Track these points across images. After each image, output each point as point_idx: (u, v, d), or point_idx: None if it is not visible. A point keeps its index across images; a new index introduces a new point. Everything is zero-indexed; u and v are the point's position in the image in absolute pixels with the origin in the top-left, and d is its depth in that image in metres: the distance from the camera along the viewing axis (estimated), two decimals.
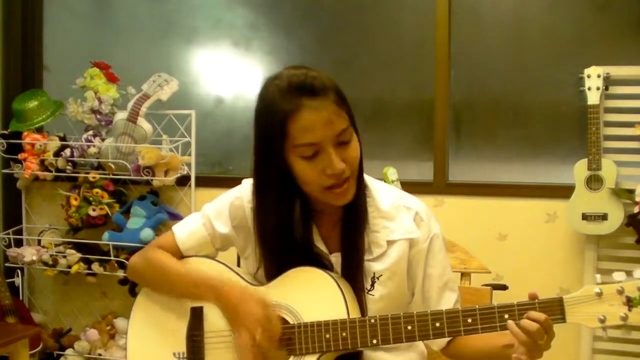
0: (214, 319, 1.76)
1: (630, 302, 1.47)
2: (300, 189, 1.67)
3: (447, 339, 1.77)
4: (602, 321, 1.50)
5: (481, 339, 1.66)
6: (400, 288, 1.76)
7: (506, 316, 1.55)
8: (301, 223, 1.71)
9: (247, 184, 1.81)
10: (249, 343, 1.62)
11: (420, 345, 1.85)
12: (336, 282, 1.66)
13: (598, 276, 1.54)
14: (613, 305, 1.49)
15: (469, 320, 1.57)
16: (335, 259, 1.74)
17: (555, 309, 1.53)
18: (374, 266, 1.72)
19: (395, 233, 1.73)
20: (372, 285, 1.72)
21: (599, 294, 1.50)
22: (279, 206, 1.68)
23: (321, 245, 1.75)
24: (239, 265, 1.94)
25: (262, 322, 1.63)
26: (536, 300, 1.55)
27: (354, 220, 1.71)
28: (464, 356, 1.78)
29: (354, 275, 1.71)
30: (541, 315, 1.51)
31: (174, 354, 1.79)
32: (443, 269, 1.78)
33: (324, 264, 1.73)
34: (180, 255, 1.86)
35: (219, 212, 1.84)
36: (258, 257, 1.77)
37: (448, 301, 1.78)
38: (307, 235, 1.73)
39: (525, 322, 1.52)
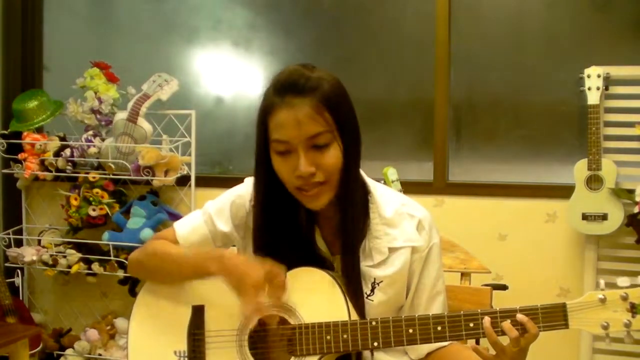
0: (215, 317, 1.75)
1: (634, 309, 1.47)
2: None
3: (426, 351, 1.77)
4: (605, 328, 1.49)
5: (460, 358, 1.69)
6: (399, 295, 1.76)
7: (508, 321, 1.55)
8: (304, 224, 1.72)
9: (249, 183, 1.82)
10: (254, 299, 1.59)
11: (409, 352, 1.84)
12: (338, 283, 1.66)
13: (602, 282, 1.53)
14: (617, 311, 1.48)
15: (471, 325, 1.57)
16: (337, 261, 1.74)
17: (558, 314, 1.53)
18: (374, 272, 1.72)
19: (397, 240, 1.73)
20: (372, 290, 1.72)
21: (603, 300, 1.49)
22: (278, 205, 1.69)
23: (322, 247, 1.75)
24: None
25: (268, 277, 1.61)
26: (539, 305, 1.54)
27: (348, 224, 1.70)
28: None
29: (352, 279, 1.70)
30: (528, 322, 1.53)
31: (175, 352, 1.79)
32: (435, 281, 1.78)
33: (325, 267, 1.72)
34: None
35: (221, 211, 1.84)
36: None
37: (435, 312, 1.76)
38: (309, 237, 1.74)
39: (505, 324, 1.53)
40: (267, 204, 1.72)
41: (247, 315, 1.66)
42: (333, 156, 1.62)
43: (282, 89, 1.60)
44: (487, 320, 1.55)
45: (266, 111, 1.62)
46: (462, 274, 3.05)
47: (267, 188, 1.70)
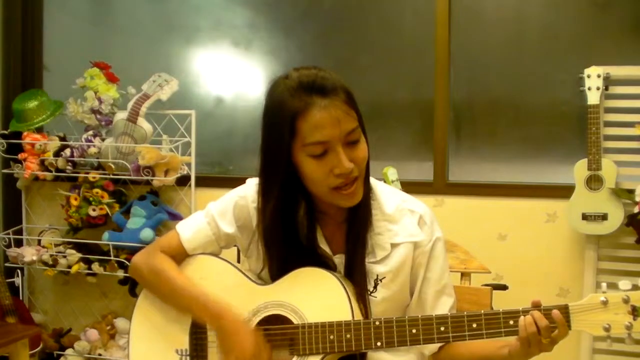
0: None
1: (635, 312, 1.48)
2: (305, 190, 1.68)
3: (439, 344, 1.77)
4: (607, 330, 1.50)
5: (475, 342, 1.67)
6: (402, 290, 1.77)
7: (511, 322, 1.55)
8: (305, 224, 1.72)
9: (251, 184, 1.82)
10: None
11: (421, 347, 1.85)
12: (341, 283, 1.66)
13: (604, 284, 1.54)
14: (618, 314, 1.50)
15: (474, 325, 1.57)
16: (339, 260, 1.75)
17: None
18: (377, 268, 1.73)
19: (399, 236, 1.74)
20: (375, 287, 1.73)
21: (605, 303, 1.51)
22: (284, 206, 1.69)
23: (325, 247, 1.76)
24: (239, 261, 1.94)
25: (254, 356, 1.64)
26: (542, 307, 1.55)
27: (358, 222, 1.71)
28: None
29: (356, 277, 1.71)
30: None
31: (177, 350, 1.80)
32: (442, 274, 1.79)
33: (327, 265, 1.73)
34: (185, 255, 1.86)
35: (224, 212, 1.84)
36: (263, 256, 1.77)
37: (443, 306, 1.78)
38: (311, 236, 1.74)
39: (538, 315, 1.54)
40: (282, 210, 1.70)
41: None
42: (364, 149, 1.65)
43: (309, 91, 1.58)
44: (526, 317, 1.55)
45: (293, 116, 1.58)
46: (462, 274, 3.04)
47: (286, 194, 1.68)
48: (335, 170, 1.60)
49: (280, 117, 1.60)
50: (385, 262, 1.73)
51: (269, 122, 1.65)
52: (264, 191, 1.72)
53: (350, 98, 1.62)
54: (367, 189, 1.72)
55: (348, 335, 1.62)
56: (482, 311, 1.57)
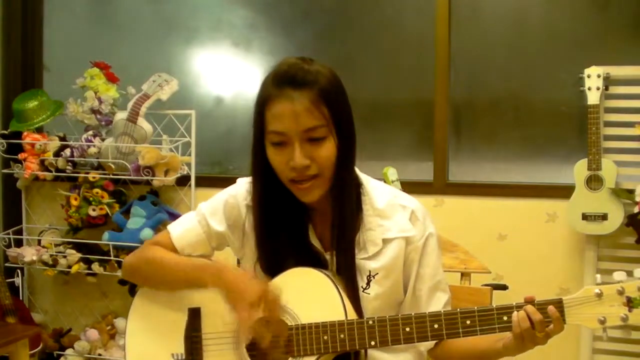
0: (212, 320, 1.76)
1: (630, 303, 1.47)
2: None
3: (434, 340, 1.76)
4: (602, 322, 1.49)
5: (469, 337, 1.66)
6: (395, 286, 1.76)
7: (505, 318, 1.55)
8: (296, 219, 1.73)
9: (242, 183, 1.83)
10: (251, 316, 1.61)
11: (417, 344, 1.84)
12: (333, 283, 1.66)
13: (598, 276, 1.54)
14: (613, 306, 1.49)
15: (468, 322, 1.57)
16: (330, 256, 1.74)
17: None
18: (369, 264, 1.72)
19: (390, 231, 1.73)
20: (368, 283, 1.72)
21: (599, 295, 1.50)
22: (273, 199, 1.70)
23: (316, 243, 1.76)
24: (239, 265, 1.94)
25: (263, 295, 1.62)
26: (535, 302, 1.55)
27: (344, 221, 1.70)
28: (453, 356, 1.78)
29: (347, 273, 1.70)
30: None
31: (172, 354, 1.79)
32: (435, 269, 1.78)
33: (319, 261, 1.73)
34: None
35: (214, 211, 1.85)
36: (255, 254, 1.78)
37: (438, 302, 1.78)
38: (302, 232, 1.75)
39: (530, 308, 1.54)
40: (263, 196, 1.72)
41: (241, 332, 1.66)
42: (328, 150, 1.63)
43: (281, 81, 1.61)
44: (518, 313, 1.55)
45: (263, 102, 1.63)
46: (462, 274, 3.04)
47: (263, 178, 1.71)
48: (290, 163, 1.62)
49: (258, 103, 1.66)
50: (377, 258, 1.73)
51: (254, 106, 1.69)
52: (253, 184, 1.74)
53: (325, 96, 1.61)
54: (348, 186, 1.71)
55: (342, 335, 1.62)
56: (476, 307, 1.57)
